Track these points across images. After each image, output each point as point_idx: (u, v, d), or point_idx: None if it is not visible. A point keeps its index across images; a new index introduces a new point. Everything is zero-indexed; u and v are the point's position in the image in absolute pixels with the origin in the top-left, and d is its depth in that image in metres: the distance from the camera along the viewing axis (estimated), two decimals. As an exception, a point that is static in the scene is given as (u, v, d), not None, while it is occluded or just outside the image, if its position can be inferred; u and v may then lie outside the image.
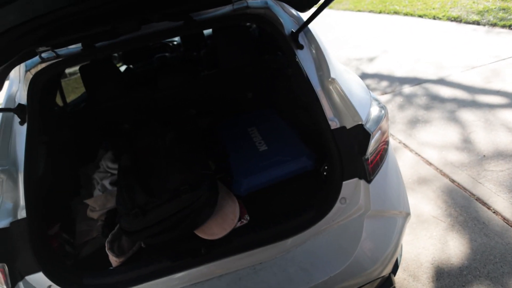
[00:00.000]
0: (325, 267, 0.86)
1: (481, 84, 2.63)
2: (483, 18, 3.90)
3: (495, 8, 3.97)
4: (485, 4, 4.20)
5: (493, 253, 1.34)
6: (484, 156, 1.88)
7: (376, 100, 1.09)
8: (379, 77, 3.36)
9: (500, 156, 1.83)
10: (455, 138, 2.10)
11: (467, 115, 2.30)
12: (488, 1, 4.21)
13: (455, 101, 2.52)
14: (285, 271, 0.86)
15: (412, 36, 4.25)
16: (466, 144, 2.02)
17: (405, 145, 2.18)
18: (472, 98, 2.48)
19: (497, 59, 2.96)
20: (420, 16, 5.01)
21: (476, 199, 1.61)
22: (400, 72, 3.32)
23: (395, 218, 0.98)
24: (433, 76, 3.01)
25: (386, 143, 1.01)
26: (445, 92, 2.69)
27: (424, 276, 1.34)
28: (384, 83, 3.20)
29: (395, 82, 3.14)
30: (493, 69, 2.81)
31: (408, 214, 1.02)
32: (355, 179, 0.91)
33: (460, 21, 4.19)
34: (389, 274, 1.01)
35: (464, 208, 1.59)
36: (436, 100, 2.61)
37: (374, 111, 1.00)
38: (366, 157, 0.90)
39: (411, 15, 5.20)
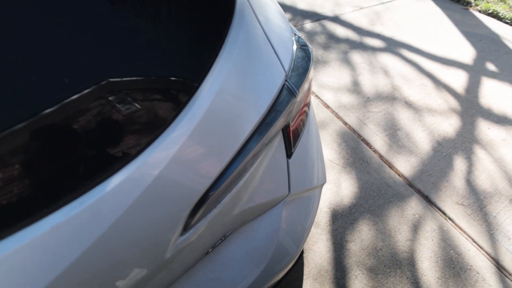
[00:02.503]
0: (240, 276, 0.62)
1: (366, 26, 2.82)
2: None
3: None
4: None
5: (372, 188, 1.56)
6: (368, 98, 2.08)
7: (298, 37, 0.75)
8: (282, 7, 3.06)
9: (379, 98, 2.08)
10: (347, 80, 2.22)
11: (356, 57, 2.44)
12: None
13: (347, 41, 2.62)
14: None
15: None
16: (355, 86, 2.17)
17: (306, 87, 2.15)
18: (360, 40, 2.64)
19: (378, 3, 3.21)
20: None
21: (362, 140, 1.80)
22: (302, 4, 3.13)
23: (312, 194, 0.81)
24: (330, 13, 3.00)
25: (308, 104, 0.74)
26: (340, 31, 2.74)
27: (323, 221, 1.43)
28: (288, 16, 2.95)
29: (297, 15, 2.95)
30: (375, 12, 3.04)
31: (323, 184, 0.88)
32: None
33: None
34: None
35: (353, 149, 1.75)
36: (332, 39, 2.63)
37: (298, 57, 0.67)
38: (288, 123, 0.62)
39: None
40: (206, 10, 0.49)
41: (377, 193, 1.54)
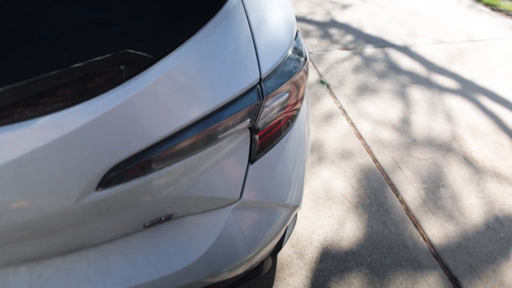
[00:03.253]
0: (159, 264, 0.57)
1: (441, 62, 2.44)
2: (471, -9, 3.57)
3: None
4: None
5: (383, 242, 1.26)
6: (414, 140, 1.74)
7: (298, 46, 0.70)
8: (346, 29, 2.92)
9: (429, 144, 1.72)
10: (395, 115, 1.92)
11: (416, 93, 2.11)
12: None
13: (410, 74, 2.30)
14: (104, 260, 0.57)
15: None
16: (403, 124, 1.86)
17: (344, 112, 1.94)
18: (428, 75, 2.28)
19: (466, 39, 2.76)
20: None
21: (389, 184, 1.50)
22: (369, 28, 2.92)
23: (276, 210, 0.71)
24: (400, 42, 2.70)
25: (295, 110, 0.67)
26: (405, 62, 2.43)
27: (309, 255, 1.21)
28: (349, 38, 2.79)
29: (360, 38, 2.76)
30: (459, 49, 2.61)
31: (296, 207, 0.76)
32: None
33: (449, -11, 3.81)
34: (261, 261, 0.80)
35: (375, 191, 1.46)
36: (393, 69, 2.35)
37: (290, 64, 0.63)
38: (256, 127, 0.57)
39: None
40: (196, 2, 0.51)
41: (387, 250, 1.23)
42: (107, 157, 0.46)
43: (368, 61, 2.44)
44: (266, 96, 0.55)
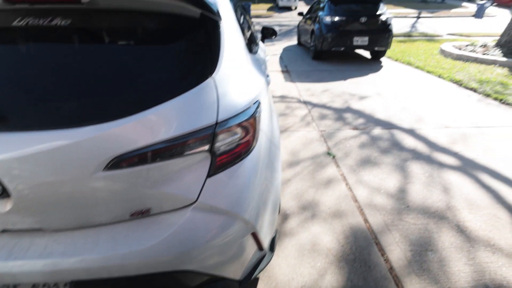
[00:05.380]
0: (132, 242, 0.88)
1: (444, 144, 2.67)
2: (481, 87, 3.98)
3: (495, 81, 4.04)
4: (488, 75, 4.28)
5: (362, 296, 1.33)
6: (407, 206, 1.88)
7: (252, 107, 1.07)
8: (360, 114, 3.43)
9: (422, 211, 1.83)
10: (392, 184, 2.12)
11: (415, 167, 2.31)
12: (492, 73, 4.28)
13: (412, 152, 2.55)
14: (97, 236, 0.90)
15: (412, 87, 4.36)
16: (399, 192, 2.03)
17: (345, 179, 2.21)
18: (429, 154, 2.50)
19: (472, 126, 3.00)
20: (428, 71, 5.16)
21: (376, 243, 1.61)
22: (380, 114, 3.39)
23: (230, 221, 0.96)
24: (407, 125, 3.06)
25: (248, 145, 1.02)
26: (408, 142, 2.72)
27: None
28: (361, 120, 3.26)
29: (371, 121, 3.21)
30: (463, 133, 2.84)
31: (247, 222, 0.99)
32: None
33: (460, 85, 4.29)
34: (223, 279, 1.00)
35: (360, 248, 1.58)
36: (396, 146, 2.65)
37: (237, 116, 0.99)
38: (214, 152, 0.93)
39: (421, 69, 5.36)
40: (185, 76, 0.99)
41: (361, 303, 1.28)
42: (109, 152, 0.80)
43: (374, 140, 2.80)
44: (217, 131, 0.90)
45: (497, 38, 6.17)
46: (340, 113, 3.47)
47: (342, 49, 5.80)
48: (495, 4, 21.76)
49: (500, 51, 5.79)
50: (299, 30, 8.13)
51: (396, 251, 1.56)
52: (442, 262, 1.48)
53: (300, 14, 7.94)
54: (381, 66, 5.76)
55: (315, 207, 1.92)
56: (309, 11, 7.29)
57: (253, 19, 15.82)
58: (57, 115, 0.82)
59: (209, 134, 0.89)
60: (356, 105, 3.73)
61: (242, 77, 1.15)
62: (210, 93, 0.93)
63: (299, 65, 5.98)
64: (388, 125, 3.10)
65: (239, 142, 0.97)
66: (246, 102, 1.03)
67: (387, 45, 5.86)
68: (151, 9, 0.98)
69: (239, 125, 0.96)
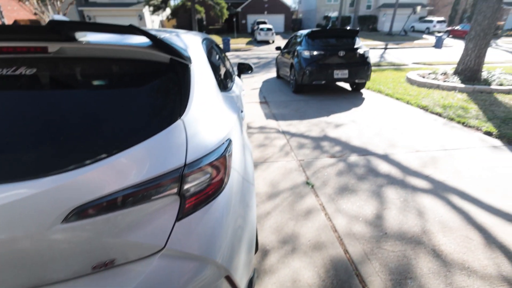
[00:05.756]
0: None
1: (416, 167, 2.81)
2: (445, 111, 4.33)
3: (456, 106, 4.41)
4: (450, 100, 4.69)
5: (345, 335, 1.29)
6: (385, 233, 1.91)
7: (223, 145, 1.07)
8: (336, 142, 3.58)
9: (399, 237, 1.87)
10: (370, 211, 2.16)
11: (391, 192, 2.40)
12: (453, 99, 4.70)
13: (386, 177, 2.65)
14: None
15: (384, 113, 4.65)
16: (376, 219, 2.07)
17: (324, 208, 2.23)
18: (402, 178, 2.62)
19: (440, 149, 3.20)
20: (397, 98, 5.55)
21: (357, 275, 1.60)
22: (356, 141, 3.55)
23: (202, 265, 0.91)
24: (381, 151, 3.22)
25: (219, 184, 1.00)
26: (383, 167, 2.84)
27: None
28: (337, 148, 3.39)
29: (347, 149, 3.34)
30: (433, 157, 3.02)
31: (220, 266, 0.94)
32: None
33: (427, 110, 4.64)
34: None
35: (342, 282, 1.56)
36: (371, 173, 2.75)
37: (207, 156, 0.98)
38: (183, 194, 0.90)
39: (391, 96, 5.77)
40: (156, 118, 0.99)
41: None
42: (70, 203, 0.75)
43: (351, 167, 2.90)
44: (186, 173, 0.88)
45: (455, 66, 6.85)
46: (318, 142, 3.60)
47: (323, 82, 5.83)
48: (450, 36, 24.44)
49: (458, 78, 6.41)
50: (278, 64, 8.18)
51: (377, 281, 1.55)
52: (421, 290, 1.49)
53: (278, 48, 8.02)
54: (355, 95, 6.15)
55: (295, 240, 1.91)
56: (286, 45, 7.43)
57: (233, 53, 16.67)
58: (15, 166, 0.79)
59: (177, 176, 0.88)
60: (332, 133, 3.90)
61: (212, 116, 1.17)
62: (179, 135, 0.93)
63: (278, 95, 6.26)
64: (363, 152, 3.24)
65: (210, 182, 0.96)
66: (216, 141, 1.03)
67: (367, 77, 5.97)
68: (120, 56, 1.01)
69: (210, 164, 0.95)
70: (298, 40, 6.49)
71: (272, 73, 9.63)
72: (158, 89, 1.04)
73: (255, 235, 1.31)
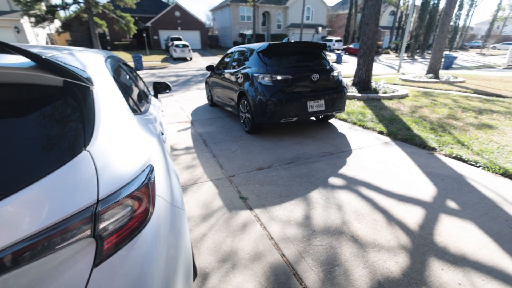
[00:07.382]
0: None
1: (333, 168, 3.32)
2: (349, 117, 5.26)
3: (357, 112, 5.45)
4: (352, 108, 5.76)
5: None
6: (314, 231, 2.20)
7: (143, 173, 1.01)
8: (260, 152, 3.87)
9: (325, 232, 2.18)
10: (299, 214, 2.44)
11: (315, 194, 2.76)
12: (354, 106, 5.80)
13: (309, 181, 3.04)
14: None
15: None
16: (305, 220, 2.36)
17: (259, 219, 2.39)
18: (323, 179, 3.05)
19: (349, 149, 3.88)
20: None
21: (294, 274, 1.78)
22: (288, 154, 3.93)
23: None
24: (310, 155, 3.66)
25: (143, 215, 0.94)
26: (304, 171, 3.25)
27: None
28: (270, 160, 3.67)
29: (277, 160, 3.66)
30: (344, 156, 3.63)
31: None
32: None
33: (335, 117, 5.52)
34: None
35: (281, 284, 1.72)
36: (297, 178, 3.10)
37: (125, 188, 0.92)
38: (99, 235, 0.82)
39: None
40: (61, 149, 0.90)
41: None
42: None
43: (279, 176, 3.19)
44: (100, 210, 0.80)
45: (352, 78, 8.41)
46: (247, 156, 3.82)
47: (295, 119, 4.27)
48: (346, 53, 29.82)
49: (356, 89, 7.90)
50: (211, 87, 6.51)
51: (311, 275, 1.77)
52: (347, 272, 1.77)
53: (210, 68, 6.17)
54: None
55: (235, 256, 1.99)
56: (222, 64, 5.86)
57: (148, 71, 15.99)
58: None
59: (89, 216, 0.80)
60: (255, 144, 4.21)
61: (127, 143, 1.11)
62: (86, 168, 0.86)
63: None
64: (289, 160, 3.61)
65: (132, 215, 0.90)
66: (135, 169, 0.98)
67: (343, 106, 4.65)
68: (4, 81, 0.90)
69: (130, 196, 0.90)
70: (244, 57, 4.84)
71: (192, 90, 9.65)
72: (52, 118, 0.94)
73: (191, 261, 1.29)
